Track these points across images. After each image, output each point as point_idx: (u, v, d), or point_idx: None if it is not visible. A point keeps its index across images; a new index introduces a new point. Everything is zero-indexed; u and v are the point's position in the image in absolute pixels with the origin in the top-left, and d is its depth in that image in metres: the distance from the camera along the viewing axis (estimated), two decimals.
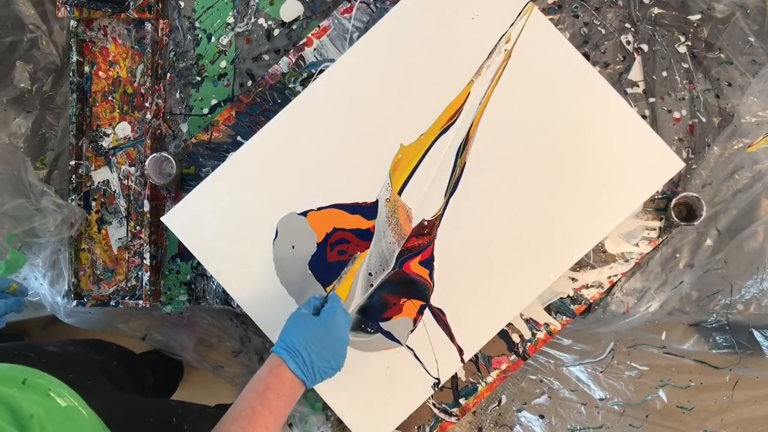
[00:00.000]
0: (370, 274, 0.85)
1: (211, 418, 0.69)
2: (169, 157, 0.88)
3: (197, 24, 0.95)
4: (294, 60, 0.91)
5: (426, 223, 0.85)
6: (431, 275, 0.84)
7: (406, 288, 0.85)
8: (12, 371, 0.59)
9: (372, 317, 0.84)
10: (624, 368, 1.27)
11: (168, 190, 0.93)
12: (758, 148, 0.87)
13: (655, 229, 0.89)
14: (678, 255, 0.90)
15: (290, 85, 0.91)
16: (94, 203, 0.94)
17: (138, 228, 0.93)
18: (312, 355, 0.68)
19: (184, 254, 0.92)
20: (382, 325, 0.84)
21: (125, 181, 0.94)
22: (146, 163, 0.88)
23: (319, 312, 0.74)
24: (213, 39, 0.95)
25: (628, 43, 0.92)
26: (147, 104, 0.93)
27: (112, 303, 0.92)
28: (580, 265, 0.88)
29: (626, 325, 0.91)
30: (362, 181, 0.85)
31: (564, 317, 0.88)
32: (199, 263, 0.88)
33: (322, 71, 0.90)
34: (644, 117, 0.90)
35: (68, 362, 0.80)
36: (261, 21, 0.95)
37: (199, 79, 0.95)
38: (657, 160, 0.84)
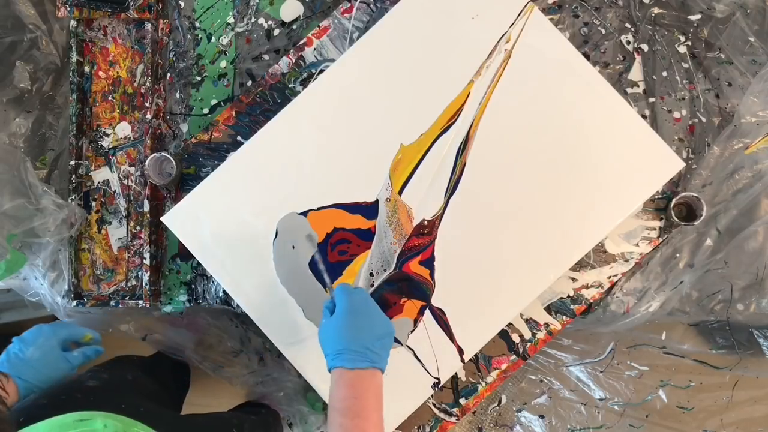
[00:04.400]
0: (371, 274, 0.85)
1: (263, 425, 0.69)
2: (169, 157, 0.88)
3: (197, 24, 0.95)
4: (294, 60, 0.91)
5: (426, 222, 0.85)
6: (432, 275, 0.84)
7: (406, 288, 0.85)
8: (84, 422, 0.58)
9: None
10: (624, 368, 1.27)
11: (168, 190, 0.93)
12: (758, 148, 0.87)
13: (655, 229, 0.89)
14: (678, 255, 0.90)
15: (290, 85, 0.91)
16: (94, 203, 0.94)
17: (138, 228, 0.93)
18: (355, 343, 0.67)
19: (184, 254, 0.92)
20: None
21: (125, 181, 0.94)
22: (146, 163, 0.88)
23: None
24: (213, 39, 0.95)
25: (628, 43, 0.92)
26: (147, 104, 0.93)
27: (112, 303, 0.92)
28: (580, 265, 0.88)
29: (626, 325, 0.91)
30: (362, 181, 0.85)
31: (564, 317, 0.88)
32: (199, 263, 0.88)
33: (322, 71, 0.90)
34: (644, 117, 0.90)
35: (111, 392, 0.81)
36: (261, 21, 0.95)
37: (199, 79, 0.95)
38: (657, 160, 0.84)
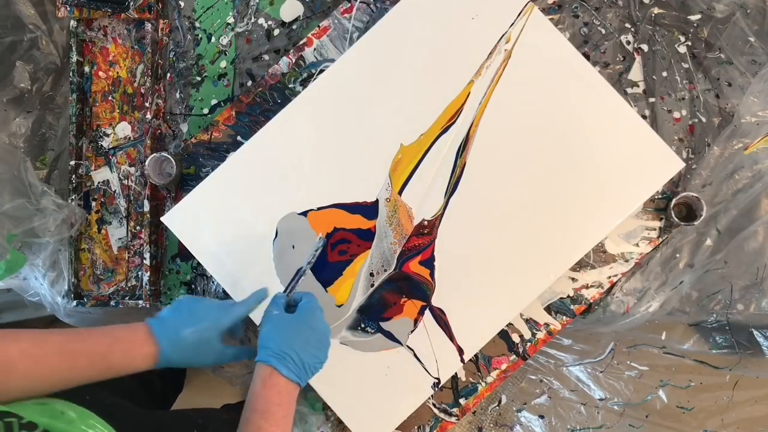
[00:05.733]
0: (371, 274, 0.85)
1: (230, 426, 0.68)
2: (169, 157, 0.88)
3: (197, 24, 0.95)
4: (294, 60, 0.91)
5: (426, 222, 0.85)
6: (432, 275, 0.84)
7: (406, 288, 0.85)
8: (42, 407, 0.57)
9: (372, 317, 0.84)
10: (624, 368, 1.27)
11: (168, 190, 0.93)
12: (757, 148, 0.87)
13: (655, 229, 0.89)
14: (678, 255, 0.90)
15: (290, 85, 0.91)
16: (94, 203, 0.94)
17: (138, 228, 0.93)
18: (301, 354, 0.67)
19: (184, 254, 0.92)
20: (383, 325, 0.84)
21: (125, 181, 0.94)
22: (146, 163, 0.88)
23: (288, 310, 0.72)
24: (213, 39, 0.95)
25: (628, 43, 0.92)
26: (147, 104, 0.93)
27: (112, 303, 0.92)
28: (580, 265, 0.88)
29: (626, 325, 0.91)
30: (362, 181, 0.85)
31: (564, 317, 0.88)
32: (199, 263, 0.88)
33: (322, 71, 0.90)
34: (644, 117, 0.90)
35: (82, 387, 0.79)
36: (261, 21, 0.95)
37: (199, 79, 0.95)
38: (657, 160, 0.84)
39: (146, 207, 0.91)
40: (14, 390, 0.59)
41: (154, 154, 0.88)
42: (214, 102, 0.94)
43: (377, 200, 0.85)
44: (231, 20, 0.95)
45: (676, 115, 0.91)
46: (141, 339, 0.66)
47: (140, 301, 0.90)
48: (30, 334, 0.61)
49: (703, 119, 0.91)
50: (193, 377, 1.45)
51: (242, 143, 0.88)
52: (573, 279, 0.88)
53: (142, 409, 0.79)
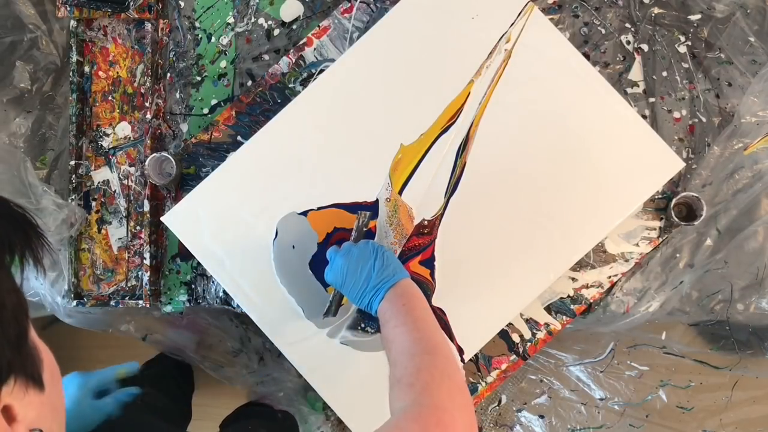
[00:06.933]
0: None
1: None
2: (169, 157, 0.88)
3: (197, 24, 0.95)
4: (294, 60, 0.91)
5: (426, 222, 0.85)
6: (432, 275, 0.84)
7: None
8: None
9: (372, 317, 0.84)
10: (624, 368, 1.28)
11: (168, 190, 0.93)
12: (757, 148, 0.87)
13: (655, 229, 0.89)
14: (678, 255, 0.90)
15: (290, 85, 0.91)
16: (94, 203, 0.94)
17: (138, 228, 0.93)
18: (381, 270, 0.69)
19: (184, 254, 0.92)
20: None
21: (125, 181, 0.94)
22: (146, 163, 0.88)
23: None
24: (213, 39, 0.95)
25: (628, 43, 0.92)
26: (147, 104, 0.93)
27: (112, 303, 0.91)
28: (580, 265, 0.88)
29: (626, 325, 0.91)
30: (362, 181, 0.85)
31: (564, 317, 0.88)
32: (199, 263, 0.88)
33: (322, 71, 0.90)
34: (644, 117, 0.90)
35: (134, 417, 0.78)
36: (261, 21, 0.95)
37: (199, 79, 0.95)
38: (657, 160, 0.84)
39: (146, 207, 0.91)
40: None
41: (154, 154, 0.88)
42: (214, 102, 0.94)
43: (377, 200, 0.85)
44: (231, 20, 0.95)
45: (676, 115, 0.91)
46: None
47: (140, 301, 0.90)
48: None
49: (703, 119, 0.91)
50: (196, 379, 1.45)
51: (242, 143, 0.88)
52: (573, 279, 0.88)
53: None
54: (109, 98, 0.95)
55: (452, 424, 0.53)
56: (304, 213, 0.85)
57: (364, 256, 0.70)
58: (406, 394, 0.56)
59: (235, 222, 0.86)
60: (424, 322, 0.64)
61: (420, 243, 0.85)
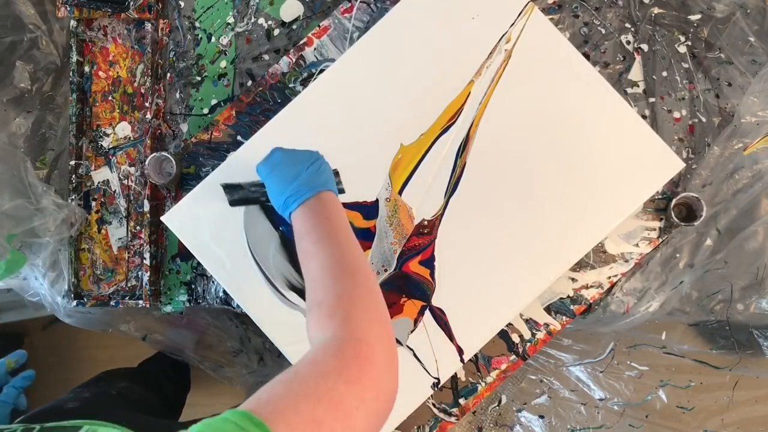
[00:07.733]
0: None
1: None
2: (169, 156, 0.88)
3: (197, 24, 0.95)
4: (294, 60, 0.91)
5: (426, 222, 0.85)
6: (432, 275, 0.84)
7: (406, 287, 0.85)
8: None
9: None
10: (624, 368, 1.27)
11: (168, 190, 0.93)
12: (757, 148, 0.87)
13: (655, 229, 0.89)
14: (678, 255, 0.90)
15: (290, 85, 0.91)
16: (94, 203, 0.94)
17: (138, 228, 0.93)
18: (297, 181, 0.66)
19: (184, 254, 0.92)
20: None
21: (125, 181, 0.94)
22: (146, 163, 0.88)
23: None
24: (213, 39, 0.95)
25: (628, 43, 0.92)
26: (147, 104, 0.93)
27: (112, 303, 0.92)
28: (580, 265, 0.88)
29: (626, 325, 0.91)
30: (362, 181, 0.85)
31: (564, 317, 0.88)
32: (199, 263, 0.88)
33: (322, 71, 0.90)
34: (644, 117, 0.90)
35: (93, 409, 0.78)
36: (261, 21, 0.95)
37: (199, 79, 0.95)
38: (657, 161, 0.84)
39: (146, 207, 0.91)
40: None
41: (154, 154, 0.88)
42: (214, 102, 0.94)
43: (377, 200, 0.85)
44: (231, 20, 0.95)
45: (676, 115, 0.91)
46: None
47: (140, 301, 0.90)
48: None
49: (703, 119, 0.91)
50: (196, 379, 1.45)
51: (242, 143, 0.88)
52: (573, 279, 0.88)
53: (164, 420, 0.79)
54: (109, 98, 0.95)
55: (371, 355, 0.53)
56: None
57: (304, 158, 0.68)
58: (326, 324, 0.55)
59: (235, 222, 0.86)
60: (348, 241, 0.62)
61: (420, 243, 0.85)
